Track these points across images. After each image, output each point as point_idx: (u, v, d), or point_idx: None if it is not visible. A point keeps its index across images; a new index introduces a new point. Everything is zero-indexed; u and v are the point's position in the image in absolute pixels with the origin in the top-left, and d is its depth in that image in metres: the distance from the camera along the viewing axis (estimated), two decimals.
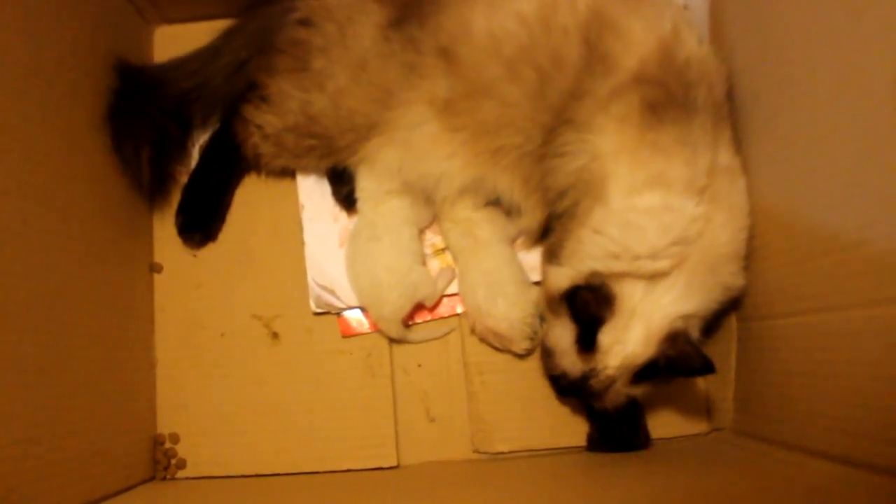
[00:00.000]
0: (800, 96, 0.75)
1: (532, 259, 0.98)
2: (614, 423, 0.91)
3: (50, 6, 0.83)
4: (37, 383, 0.76)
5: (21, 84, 0.78)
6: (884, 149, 0.63)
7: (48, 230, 0.80)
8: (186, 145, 1.03)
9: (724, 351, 0.91)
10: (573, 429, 0.95)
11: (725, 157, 0.84)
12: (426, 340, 0.99)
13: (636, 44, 0.83)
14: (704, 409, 0.95)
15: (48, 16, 0.83)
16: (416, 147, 0.92)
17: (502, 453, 0.95)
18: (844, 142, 0.69)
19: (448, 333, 0.99)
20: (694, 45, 0.85)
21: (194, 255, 1.03)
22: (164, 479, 0.96)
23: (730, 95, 0.87)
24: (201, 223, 1.02)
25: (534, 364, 0.95)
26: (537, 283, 0.96)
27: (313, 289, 0.99)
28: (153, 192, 1.00)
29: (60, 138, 0.84)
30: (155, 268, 1.02)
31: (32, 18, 0.80)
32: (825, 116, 0.71)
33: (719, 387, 0.93)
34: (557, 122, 0.86)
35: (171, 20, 1.09)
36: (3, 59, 0.75)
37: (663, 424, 0.95)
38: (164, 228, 1.03)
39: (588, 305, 0.81)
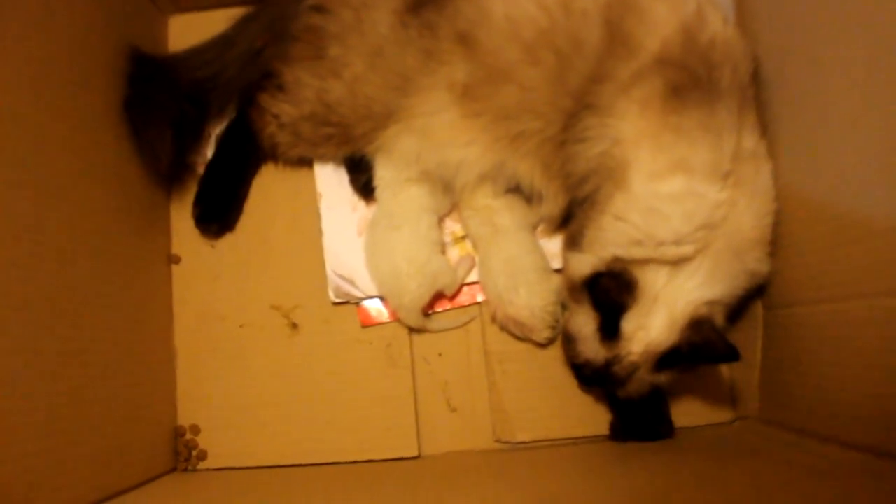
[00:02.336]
0: (829, 78, 0.74)
1: (553, 246, 0.97)
2: (637, 412, 0.90)
3: None
4: (57, 377, 0.75)
5: (36, 76, 0.77)
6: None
7: (65, 223, 0.80)
8: (203, 135, 1.03)
9: (749, 338, 0.89)
10: (595, 418, 0.94)
11: (750, 141, 0.82)
12: (446, 330, 0.98)
13: (658, 25, 0.82)
14: (729, 397, 0.95)
15: (62, 6, 0.82)
16: (435, 134, 0.91)
17: (524, 443, 0.95)
18: (875, 126, 0.67)
19: (468, 322, 0.99)
20: (718, 26, 0.83)
21: (212, 246, 1.03)
22: (185, 470, 0.96)
23: (755, 77, 0.85)
24: (219, 213, 1.02)
25: (555, 353, 0.95)
26: (558, 271, 0.95)
27: (332, 279, 0.98)
28: (172, 180, 1.00)
29: (77, 130, 0.84)
30: (173, 259, 1.02)
31: (46, 9, 0.80)
32: (855, 100, 0.69)
33: (744, 375, 0.91)
34: (578, 106, 0.85)
35: (184, 9, 1.08)
36: (18, 50, 0.74)
37: (687, 413, 0.94)
38: (182, 220, 1.02)
39: (610, 292, 0.80)
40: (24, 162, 0.74)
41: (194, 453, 0.96)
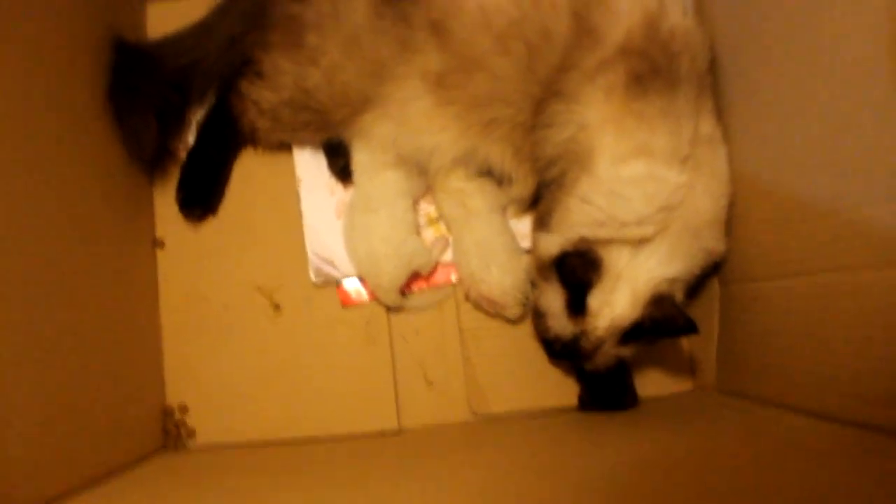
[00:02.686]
0: (778, 69, 0.78)
1: (523, 227, 1.01)
2: (604, 384, 0.95)
3: None
4: (47, 360, 0.78)
5: (19, 62, 0.79)
6: (855, 123, 0.67)
7: (53, 209, 0.83)
8: (184, 121, 1.05)
9: (706, 312, 0.94)
10: (564, 390, 0.99)
11: (707, 126, 0.87)
12: (422, 309, 1.02)
13: (622, 16, 0.85)
14: (688, 368, 1.00)
15: None
16: (410, 120, 0.94)
17: (497, 414, 1.00)
18: (820, 114, 0.72)
19: (442, 301, 1.03)
20: (678, 17, 0.87)
21: (195, 230, 1.05)
22: (175, 448, 1.00)
23: (712, 66, 0.89)
24: (201, 198, 1.04)
25: (526, 329, 0.99)
26: (528, 251, 0.99)
27: (312, 260, 1.02)
28: (155, 166, 1.03)
29: (60, 117, 0.86)
30: (157, 243, 1.05)
31: None
32: (802, 89, 0.74)
33: (702, 347, 0.97)
34: (546, 93, 0.88)
35: None
36: (1, 40, 0.76)
37: (650, 383, 0.99)
38: (165, 205, 1.05)
39: (576, 270, 0.85)
40: (10, 150, 0.76)
41: (183, 431, 1.00)
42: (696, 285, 0.91)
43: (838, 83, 0.69)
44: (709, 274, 0.91)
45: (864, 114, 0.65)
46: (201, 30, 1.02)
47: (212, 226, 1.06)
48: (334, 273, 1.02)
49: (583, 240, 0.85)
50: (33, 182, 0.79)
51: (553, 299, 0.89)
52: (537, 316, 0.92)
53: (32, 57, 0.81)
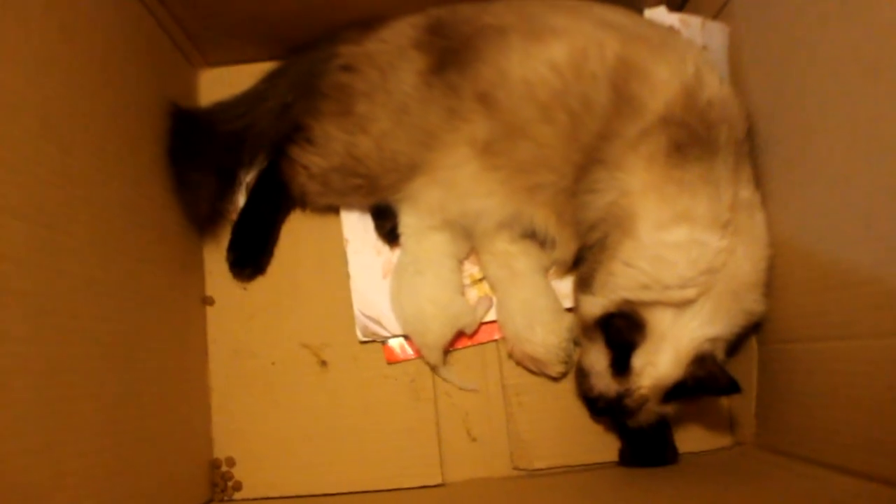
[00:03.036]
0: (816, 141, 0.82)
1: (564, 287, 1.04)
2: (645, 439, 0.97)
3: (100, 53, 0.87)
4: (100, 415, 0.80)
5: (79, 131, 0.81)
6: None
7: (117, 275, 0.86)
8: (235, 184, 1.09)
9: (744, 370, 0.96)
10: (605, 445, 1.01)
11: (746, 192, 0.90)
12: (454, 383, 1.05)
13: (661, 88, 0.89)
14: (728, 424, 1.02)
15: (99, 64, 0.86)
16: (458, 186, 0.98)
17: (540, 470, 1.02)
18: (857, 184, 0.75)
19: (475, 390, 1.05)
20: (715, 87, 0.91)
21: (244, 288, 1.09)
22: (221, 500, 1.02)
23: (750, 133, 0.93)
24: (251, 258, 1.08)
25: (568, 385, 1.02)
26: (569, 310, 1.03)
27: (359, 318, 1.05)
28: (207, 226, 1.07)
29: (119, 183, 0.89)
30: (207, 301, 1.08)
31: (84, 67, 0.83)
32: (841, 161, 0.77)
33: (741, 403, 0.98)
34: (589, 161, 0.92)
35: (214, 63, 1.15)
36: (63, 108, 0.78)
37: (690, 439, 1.01)
38: (215, 262, 1.09)
39: (621, 332, 0.88)
40: (73, 217, 0.78)
41: (230, 484, 1.02)
42: (736, 344, 0.93)
43: (877, 151, 0.72)
44: (748, 333, 0.94)
45: None
46: (254, 96, 1.06)
47: (260, 284, 1.09)
48: (381, 331, 1.05)
49: (626, 302, 0.88)
50: (95, 245, 0.82)
51: (597, 359, 0.91)
52: (581, 374, 0.95)
53: (90, 126, 0.83)
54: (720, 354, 0.89)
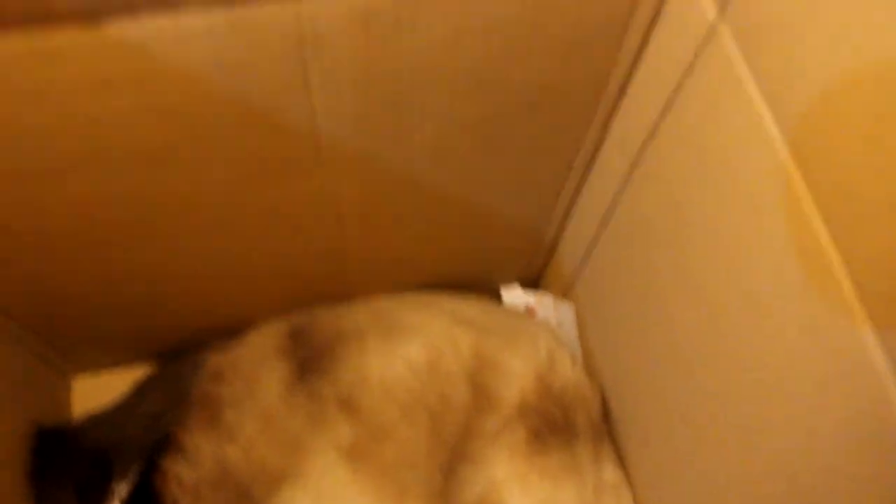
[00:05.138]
0: (667, 413, 0.83)
1: None
2: None
3: None
4: None
5: None
6: (755, 456, 0.69)
7: None
8: (107, 495, 1.06)
9: None
10: None
11: (609, 472, 0.92)
12: None
13: (515, 378, 0.93)
14: None
15: None
16: (327, 492, 0.96)
17: None
18: (709, 456, 0.75)
19: None
20: (568, 370, 0.95)
21: None
22: None
23: (606, 413, 0.96)
24: None
25: None
26: None
27: None
28: None
29: None
30: None
31: None
32: (693, 430, 0.77)
33: None
34: (456, 458, 0.93)
35: (86, 369, 1.15)
36: None
37: None
38: None
39: None
40: None
41: None
42: None
43: (734, 430, 0.71)
44: None
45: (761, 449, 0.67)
46: (125, 408, 1.06)
47: None
48: None
49: None
50: None
51: None
52: None
53: None
54: None
